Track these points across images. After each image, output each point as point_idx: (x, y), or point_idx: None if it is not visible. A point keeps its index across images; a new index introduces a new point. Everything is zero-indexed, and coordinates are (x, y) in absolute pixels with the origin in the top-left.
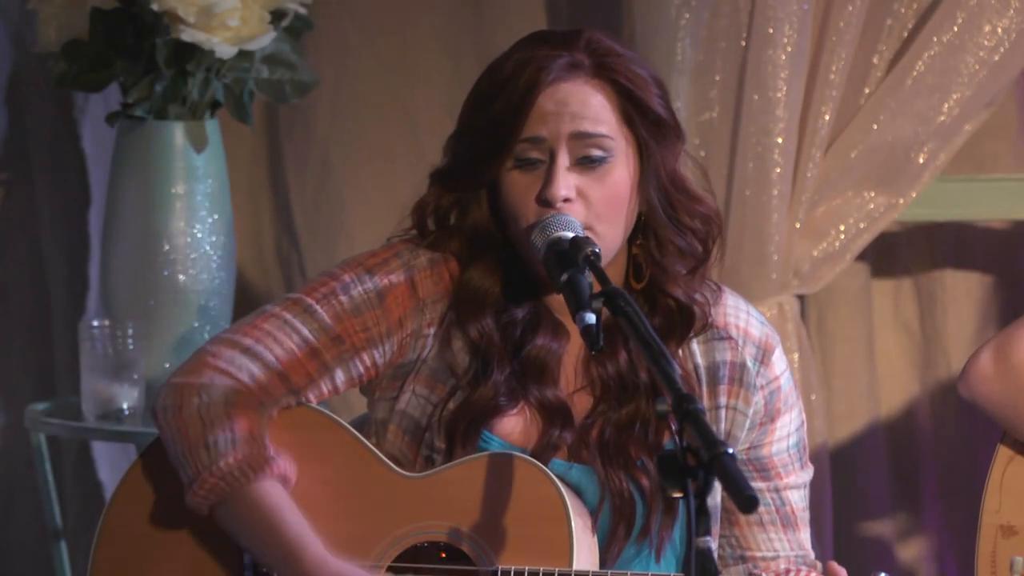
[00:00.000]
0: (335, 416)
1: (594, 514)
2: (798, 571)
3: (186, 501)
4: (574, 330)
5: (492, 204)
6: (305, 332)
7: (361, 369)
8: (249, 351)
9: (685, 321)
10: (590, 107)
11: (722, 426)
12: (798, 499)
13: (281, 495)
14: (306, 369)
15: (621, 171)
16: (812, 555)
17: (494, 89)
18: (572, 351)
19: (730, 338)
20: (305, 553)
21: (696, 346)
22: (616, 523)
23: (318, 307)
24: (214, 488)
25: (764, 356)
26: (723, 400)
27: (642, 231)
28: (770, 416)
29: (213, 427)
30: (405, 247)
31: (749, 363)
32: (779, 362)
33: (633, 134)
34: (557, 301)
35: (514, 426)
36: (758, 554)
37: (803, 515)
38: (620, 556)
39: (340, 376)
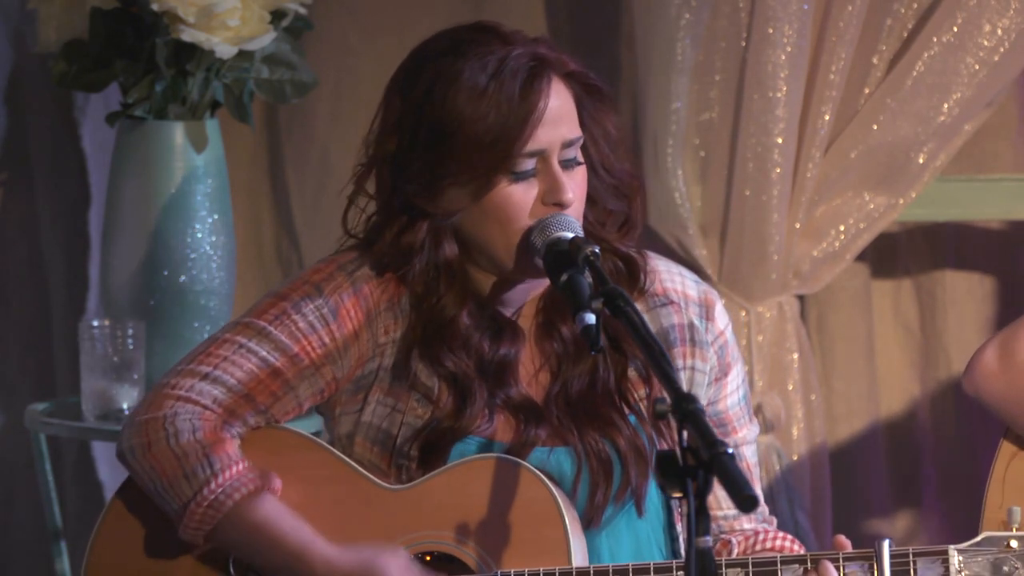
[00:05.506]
0: (310, 435)
1: (572, 488)
2: (765, 533)
3: (179, 535)
4: (524, 321)
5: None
6: (263, 353)
7: (322, 384)
8: (208, 377)
9: (631, 273)
10: (567, 108)
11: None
12: (750, 455)
13: (272, 506)
14: (269, 388)
15: (584, 158)
16: (767, 510)
17: (477, 102)
18: (526, 341)
19: (672, 302)
20: (309, 557)
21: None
22: (595, 486)
23: (272, 328)
24: (204, 517)
25: (708, 312)
26: (680, 363)
27: None
28: (723, 370)
29: (187, 457)
30: (348, 258)
31: (696, 321)
32: (721, 316)
33: (582, 115)
34: (504, 297)
35: (488, 428)
36: (719, 513)
37: (755, 471)
38: (603, 517)
39: (303, 394)
